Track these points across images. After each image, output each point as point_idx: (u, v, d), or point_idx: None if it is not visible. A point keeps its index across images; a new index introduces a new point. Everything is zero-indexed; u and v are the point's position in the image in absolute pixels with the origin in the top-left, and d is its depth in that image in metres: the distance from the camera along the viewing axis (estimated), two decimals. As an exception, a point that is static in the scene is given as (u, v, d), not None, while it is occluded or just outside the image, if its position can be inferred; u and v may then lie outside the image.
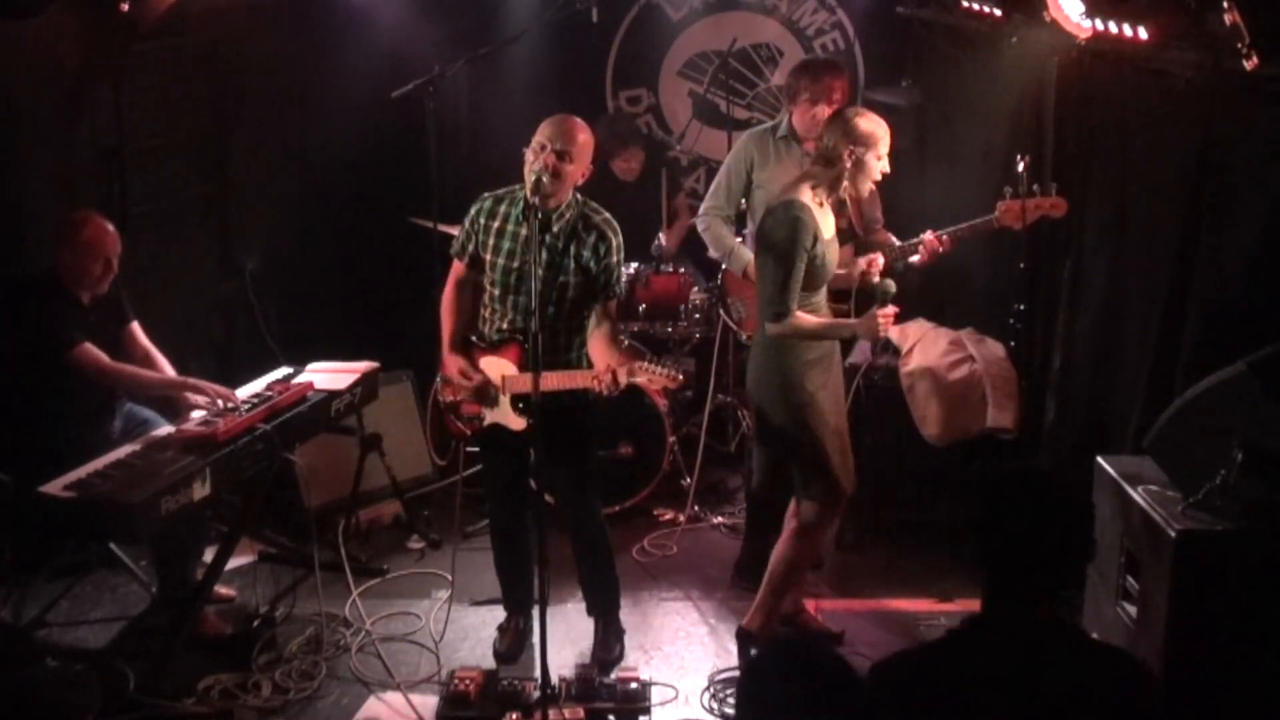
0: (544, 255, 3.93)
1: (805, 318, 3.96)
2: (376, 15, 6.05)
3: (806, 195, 3.96)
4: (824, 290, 4.08)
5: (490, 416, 4.15)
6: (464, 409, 4.19)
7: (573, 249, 3.99)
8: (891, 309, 3.90)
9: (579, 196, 4.05)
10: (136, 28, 5.03)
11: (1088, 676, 2.26)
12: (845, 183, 3.96)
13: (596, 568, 4.38)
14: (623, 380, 3.88)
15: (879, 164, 3.96)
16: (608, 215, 4.09)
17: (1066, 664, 2.27)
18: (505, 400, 4.10)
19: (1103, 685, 2.25)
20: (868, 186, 4.01)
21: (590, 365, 4.05)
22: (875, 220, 4.72)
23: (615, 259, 4.04)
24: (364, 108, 6.07)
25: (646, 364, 3.94)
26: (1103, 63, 4.49)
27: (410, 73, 5.43)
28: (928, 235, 4.49)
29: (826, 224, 4.02)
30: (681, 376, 3.96)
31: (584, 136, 3.95)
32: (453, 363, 4.15)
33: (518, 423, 4.06)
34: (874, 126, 3.92)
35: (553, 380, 3.91)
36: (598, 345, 4.03)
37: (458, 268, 4.23)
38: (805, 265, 3.91)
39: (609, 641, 4.38)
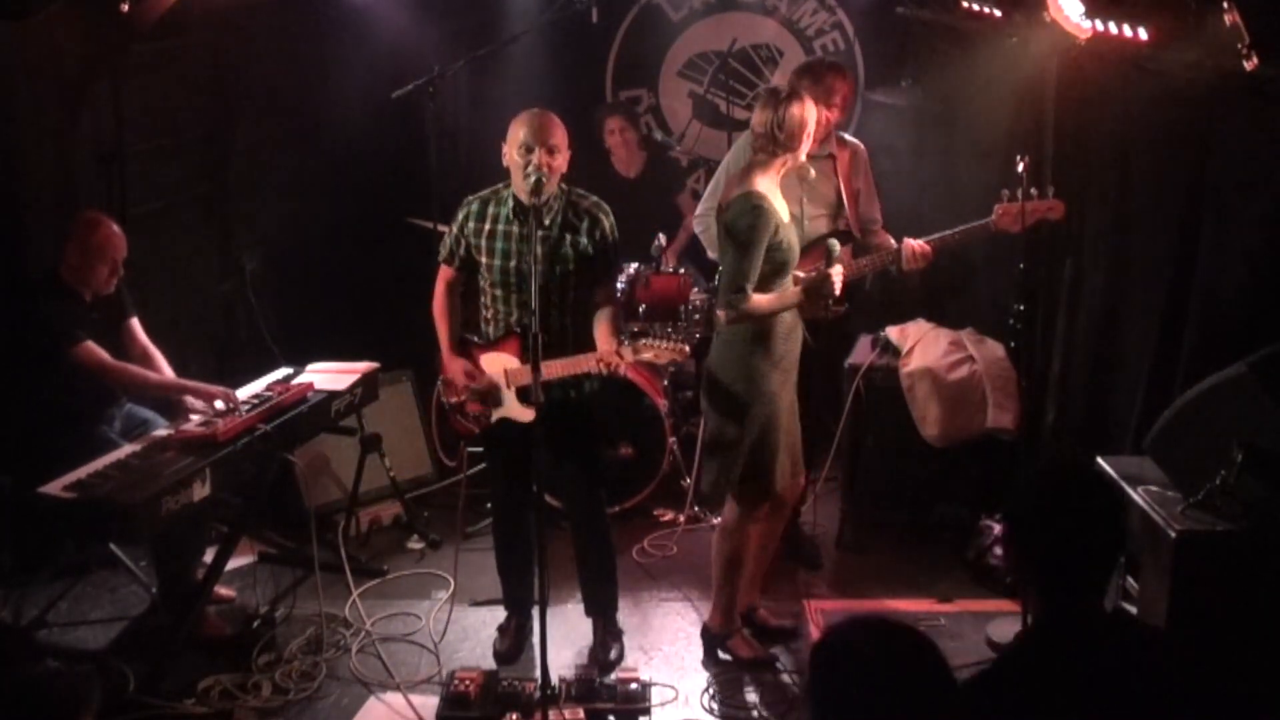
0: (541, 249, 3.94)
1: (759, 297, 3.96)
2: (376, 15, 6.05)
3: (762, 184, 3.99)
4: (790, 277, 4.06)
5: (497, 413, 4.15)
6: (469, 407, 4.19)
7: (569, 237, 4.01)
8: (839, 267, 3.99)
9: (563, 185, 4.05)
10: (136, 28, 5.03)
11: (1162, 662, 2.25)
12: (791, 162, 4.02)
13: (598, 567, 4.38)
14: (628, 358, 3.88)
15: (805, 146, 4.02)
16: (596, 199, 4.10)
17: (1143, 654, 2.26)
18: (511, 393, 4.10)
19: (1166, 666, 2.25)
20: (801, 161, 4.08)
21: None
22: (873, 221, 4.72)
23: (612, 239, 4.07)
24: (364, 108, 6.07)
25: (649, 339, 3.91)
26: (1103, 63, 4.49)
27: (410, 73, 5.43)
28: (907, 242, 4.48)
29: (783, 209, 4.05)
30: (688, 348, 3.94)
31: (561, 128, 3.97)
32: (456, 366, 4.14)
33: (526, 414, 4.02)
34: (801, 120, 3.95)
35: (556, 368, 3.92)
36: (602, 330, 4.03)
37: (446, 272, 4.23)
38: (769, 253, 3.94)
39: (608, 642, 4.38)
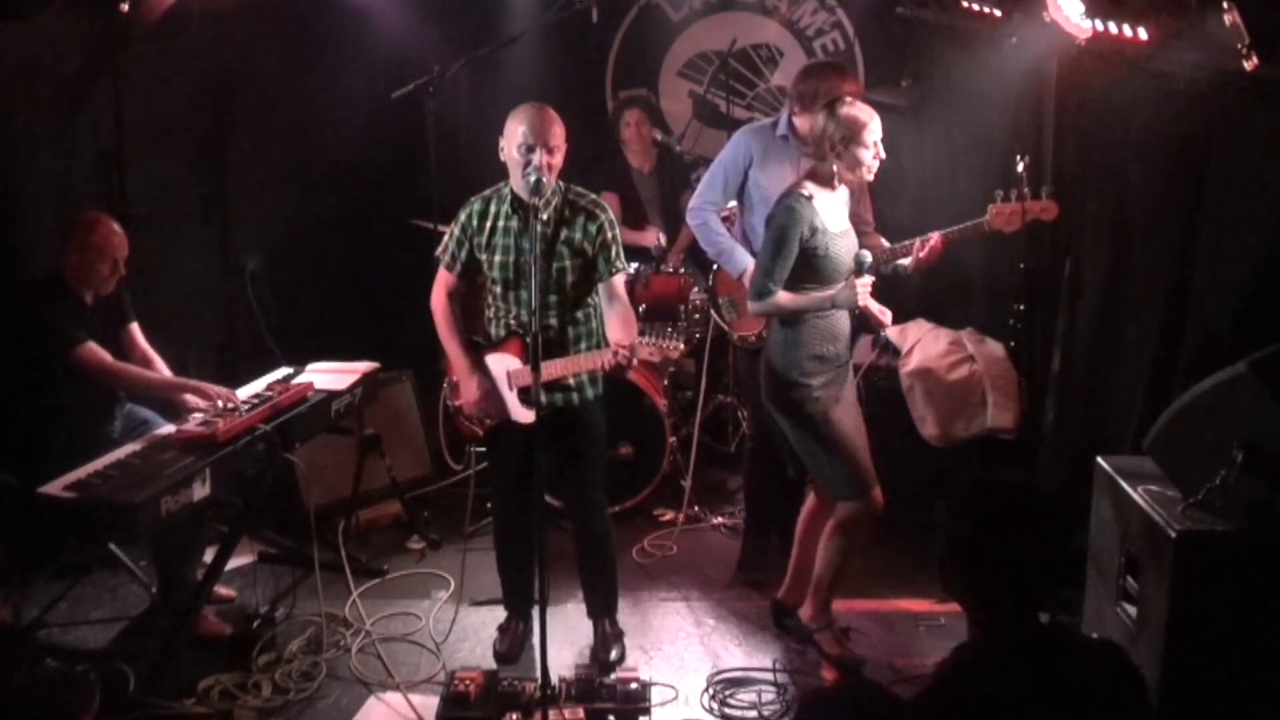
0: (539, 245, 3.93)
1: (784, 294, 4.05)
2: (376, 16, 6.05)
3: (808, 187, 4.07)
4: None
5: (500, 415, 4.15)
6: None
7: (564, 233, 4.01)
8: (869, 278, 4.05)
9: (560, 183, 4.06)
10: (136, 28, 5.03)
11: (1094, 673, 2.25)
12: (840, 175, 4.06)
13: (599, 568, 4.38)
14: (632, 359, 3.89)
15: (866, 153, 4.02)
16: (593, 197, 4.11)
17: (1075, 665, 2.25)
18: (513, 395, 4.10)
19: (1107, 679, 2.25)
20: (862, 175, 4.08)
21: (603, 347, 4.06)
22: (866, 224, 4.71)
23: (610, 235, 4.06)
24: (364, 108, 6.07)
25: (646, 339, 3.92)
26: (1103, 63, 4.49)
27: (410, 73, 5.44)
28: (934, 237, 4.48)
29: (832, 217, 4.08)
30: (683, 345, 3.97)
31: (560, 124, 3.97)
32: (472, 384, 4.08)
33: (527, 415, 4.02)
34: (854, 119, 4.00)
35: (556, 367, 3.92)
36: (615, 326, 4.03)
37: (447, 278, 4.20)
38: (804, 256, 4.02)
39: (609, 643, 4.38)
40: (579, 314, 4.09)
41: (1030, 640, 2.26)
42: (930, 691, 2.35)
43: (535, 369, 3.62)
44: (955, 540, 2.32)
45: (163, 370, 4.60)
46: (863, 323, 4.41)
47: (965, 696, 2.27)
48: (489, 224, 4.07)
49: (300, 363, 4.94)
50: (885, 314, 4.19)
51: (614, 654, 4.35)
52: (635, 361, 3.89)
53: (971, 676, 2.29)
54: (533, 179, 3.80)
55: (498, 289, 4.11)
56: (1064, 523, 2.38)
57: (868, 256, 4.07)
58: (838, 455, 4.13)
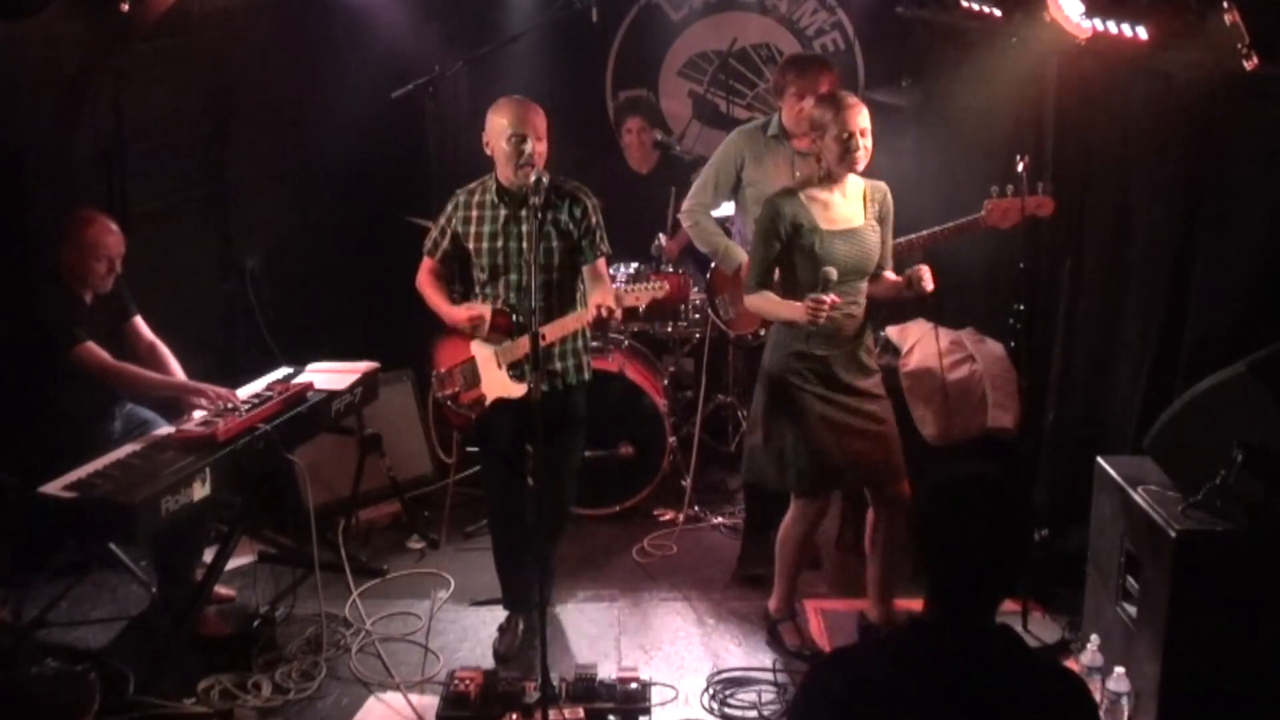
0: (525, 228, 4.01)
1: (765, 295, 4.09)
2: (376, 15, 6.06)
3: (801, 183, 4.10)
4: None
5: (490, 395, 4.19)
6: (462, 398, 4.22)
7: (551, 215, 4.09)
8: (829, 297, 3.85)
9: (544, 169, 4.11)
10: (136, 28, 5.03)
11: (1037, 690, 2.22)
12: (832, 168, 4.03)
13: (548, 535, 4.40)
14: (614, 309, 3.98)
15: (841, 144, 3.95)
16: (578, 183, 4.20)
17: (1016, 675, 2.23)
18: (503, 372, 4.15)
19: (1051, 701, 2.21)
20: (844, 167, 4.00)
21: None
22: None
23: (595, 220, 4.15)
24: (364, 108, 6.07)
25: (628, 286, 4.06)
26: (1103, 63, 4.49)
27: (410, 73, 5.44)
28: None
29: (826, 215, 4.04)
30: (668, 286, 4.10)
31: (542, 115, 4.08)
32: (460, 312, 4.19)
33: (518, 389, 4.13)
34: (822, 110, 4.01)
35: (545, 332, 3.97)
36: (598, 296, 4.09)
37: (429, 263, 4.34)
38: (792, 253, 4.02)
39: (545, 579, 4.40)
40: (565, 295, 4.16)
41: (974, 637, 2.25)
42: (850, 650, 2.38)
43: (535, 369, 3.63)
44: (912, 527, 2.34)
45: (169, 359, 4.59)
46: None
47: (901, 660, 2.26)
48: (474, 214, 4.17)
49: (300, 363, 4.94)
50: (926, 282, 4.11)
51: (546, 595, 4.41)
52: (619, 312, 3.98)
53: (914, 648, 2.28)
54: (534, 178, 3.84)
55: (484, 276, 4.19)
56: (1017, 515, 2.34)
57: (833, 274, 3.90)
58: (786, 446, 4.12)
